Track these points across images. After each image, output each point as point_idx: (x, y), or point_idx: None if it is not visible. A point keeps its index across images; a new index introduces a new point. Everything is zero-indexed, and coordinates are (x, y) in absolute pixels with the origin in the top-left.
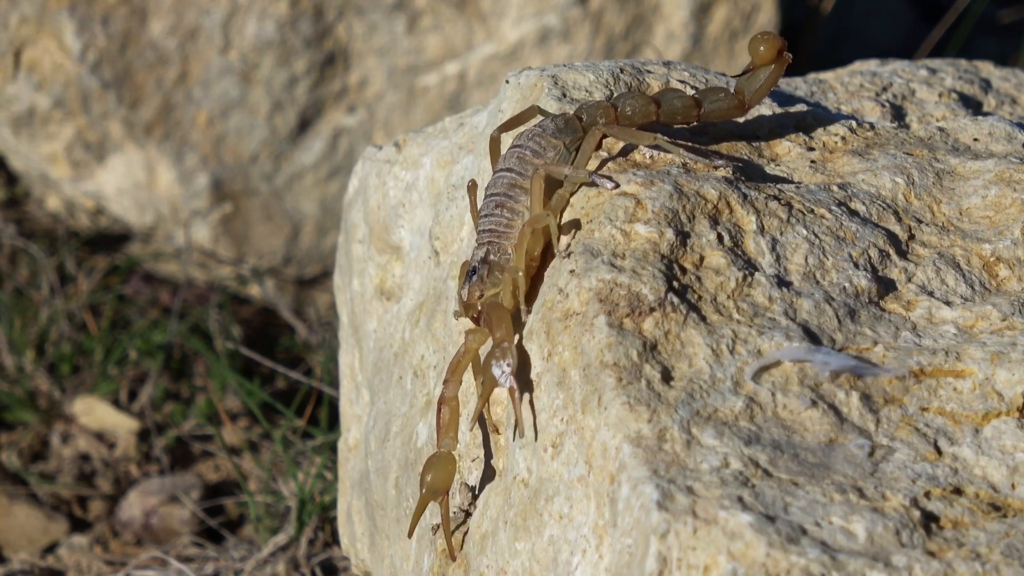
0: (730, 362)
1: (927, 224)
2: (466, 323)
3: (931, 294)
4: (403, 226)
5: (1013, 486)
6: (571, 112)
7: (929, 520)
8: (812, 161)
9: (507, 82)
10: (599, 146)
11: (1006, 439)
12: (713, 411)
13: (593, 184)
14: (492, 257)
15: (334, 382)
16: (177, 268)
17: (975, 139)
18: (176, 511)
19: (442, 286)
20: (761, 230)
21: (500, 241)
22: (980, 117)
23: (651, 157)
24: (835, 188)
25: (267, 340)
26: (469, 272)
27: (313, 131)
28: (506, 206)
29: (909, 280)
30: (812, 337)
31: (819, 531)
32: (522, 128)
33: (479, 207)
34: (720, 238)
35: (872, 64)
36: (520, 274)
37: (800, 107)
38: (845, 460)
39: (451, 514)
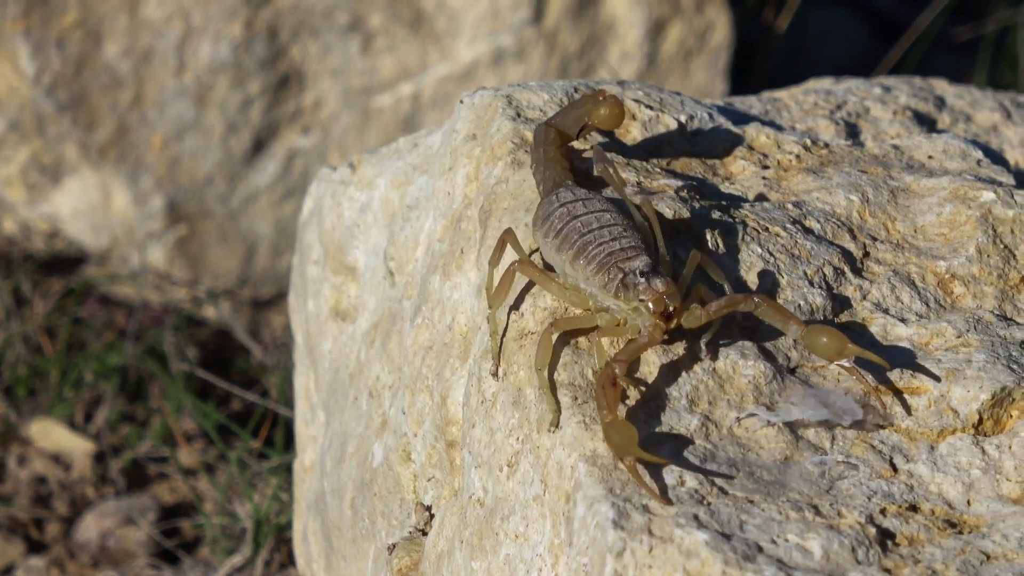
0: (685, 380)
1: (882, 241)
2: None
3: (886, 311)
4: (358, 247)
5: (969, 503)
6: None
7: (885, 537)
8: (766, 179)
9: (461, 102)
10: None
11: (961, 456)
12: (669, 429)
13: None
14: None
15: (289, 403)
16: (132, 290)
17: (929, 156)
18: (132, 533)
19: (397, 306)
20: (716, 248)
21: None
22: (935, 134)
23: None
24: (790, 206)
25: (222, 362)
26: (651, 269)
27: (268, 152)
28: (629, 234)
29: (864, 298)
30: (767, 355)
31: (775, 549)
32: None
33: (577, 212)
34: (676, 254)
35: (826, 82)
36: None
37: (755, 125)
38: (801, 478)
39: (407, 535)
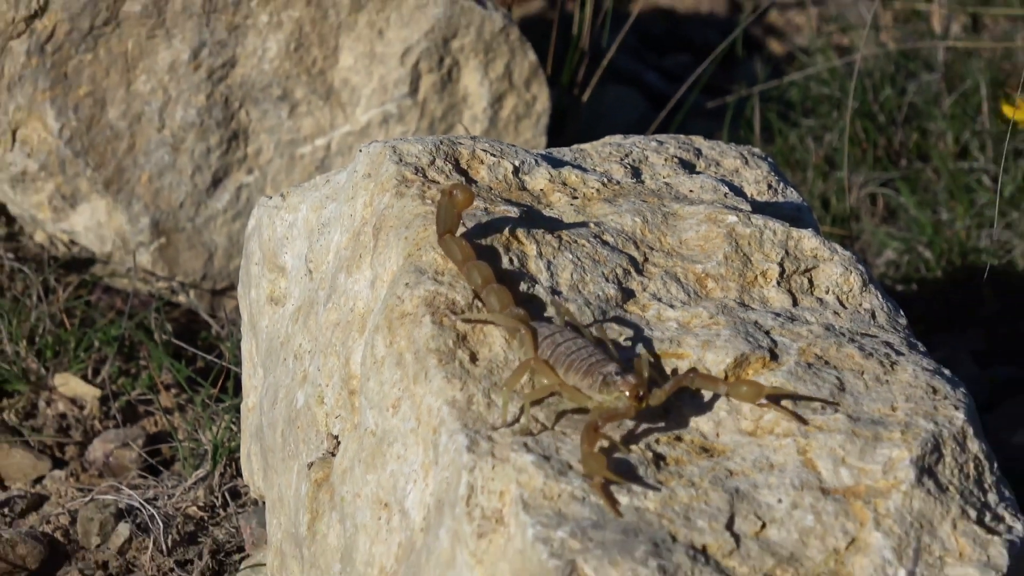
0: (517, 348)
1: (657, 250)
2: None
3: (660, 300)
4: (287, 252)
5: (718, 435)
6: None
7: (659, 459)
8: (575, 206)
9: (360, 151)
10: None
11: (714, 402)
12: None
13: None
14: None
15: (238, 363)
16: (127, 283)
17: (690, 191)
18: (127, 453)
19: (314, 295)
20: (540, 255)
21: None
22: (694, 175)
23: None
24: (592, 225)
25: (191, 333)
26: (622, 369)
27: (223, 187)
28: (598, 349)
29: (644, 290)
30: (576, 330)
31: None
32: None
33: (559, 341)
34: (511, 260)
35: (618, 138)
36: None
37: (567, 168)
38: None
39: (321, 456)
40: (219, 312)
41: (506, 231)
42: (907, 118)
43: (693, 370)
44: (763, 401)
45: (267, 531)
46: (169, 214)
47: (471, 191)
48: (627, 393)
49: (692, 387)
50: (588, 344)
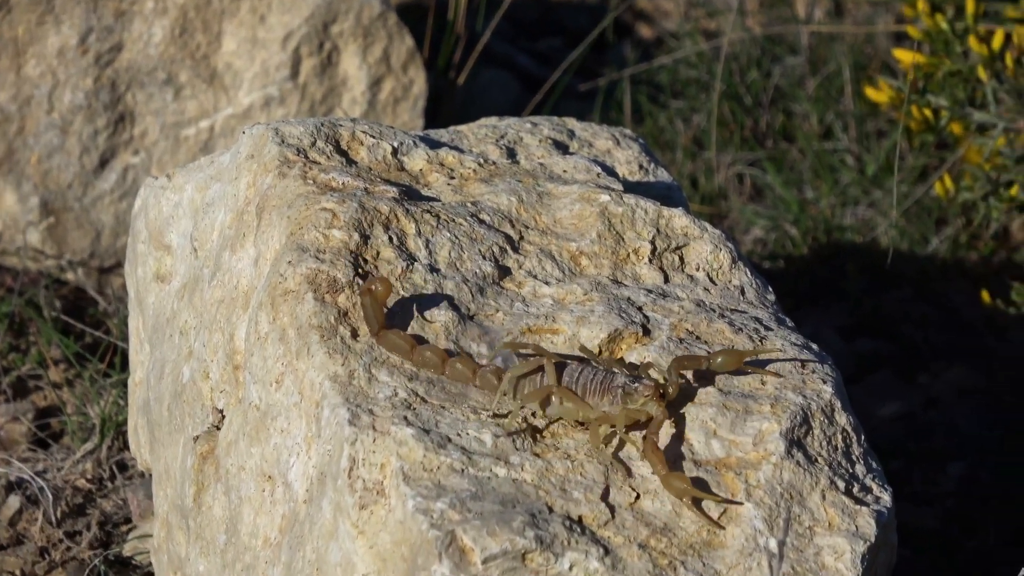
0: (399, 324)
1: (532, 229)
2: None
3: (536, 277)
4: (173, 231)
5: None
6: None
7: (535, 431)
8: (453, 186)
9: (244, 133)
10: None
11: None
12: (386, 358)
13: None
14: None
15: (125, 339)
16: (17, 261)
17: (564, 171)
18: (17, 427)
19: (199, 272)
20: (419, 233)
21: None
22: (568, 156)
23: (343, 184)
24: (470, 204)
25: (79, 309)
26: (632, 377)
27: (110, 167)
28: (598, 368)
29: (520, 267)
30: (454, 307)
31: (460, 439)
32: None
33: (571, 368)
34: (391, 239)
35: (493, 120)
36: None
37: (444, 149)
38: (478, 392)
39: (206, 429)
40: (106, 289)
41: (386, 210)
42: (773, 100)
43: (680, 356)
44: (747, 368)
45: (154, 503)
46: (58, 194)
47: (389, 281)
48: (652, 396)
49: (684, 370)
50: (587, 368)
